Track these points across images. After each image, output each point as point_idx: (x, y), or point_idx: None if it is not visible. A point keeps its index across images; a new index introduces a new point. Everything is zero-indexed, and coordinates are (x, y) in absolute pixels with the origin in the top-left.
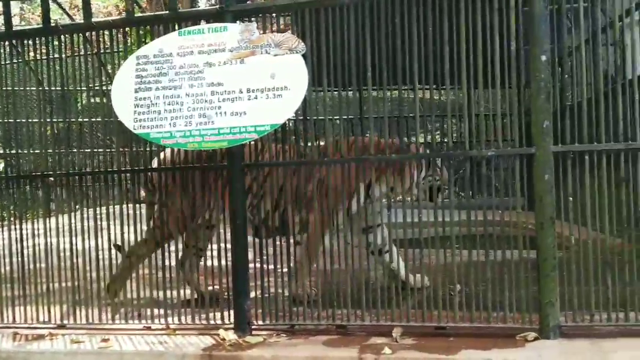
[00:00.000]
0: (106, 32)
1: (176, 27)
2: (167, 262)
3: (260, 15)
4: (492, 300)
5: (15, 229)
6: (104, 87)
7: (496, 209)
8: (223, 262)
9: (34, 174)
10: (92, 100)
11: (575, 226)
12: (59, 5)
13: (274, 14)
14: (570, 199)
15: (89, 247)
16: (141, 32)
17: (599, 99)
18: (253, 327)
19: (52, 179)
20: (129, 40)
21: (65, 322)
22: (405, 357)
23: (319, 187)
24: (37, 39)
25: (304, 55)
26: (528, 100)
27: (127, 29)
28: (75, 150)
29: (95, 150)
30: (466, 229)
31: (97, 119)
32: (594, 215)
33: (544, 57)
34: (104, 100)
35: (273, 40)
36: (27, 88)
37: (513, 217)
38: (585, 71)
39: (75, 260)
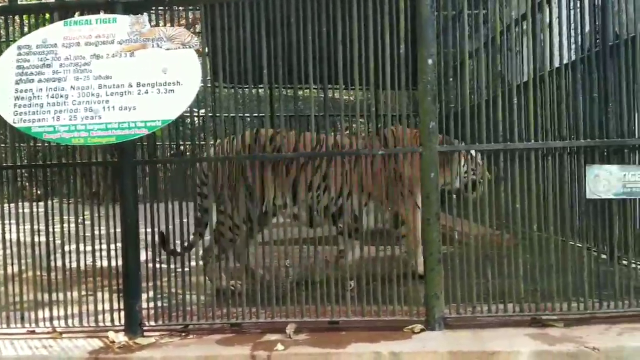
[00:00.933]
0: None
1: (65, 16)
2: (52, 264)
3: (153, 8)
4: (383, 295)
5: None
6: None
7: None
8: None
9: None
10: None
11: (459, 221)
12: None
13: (167, 8)
14: (454, 196)
15: None
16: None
17: (481, 103)
18: (145, 328)
19: None
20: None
21: None
22: (297, 353)
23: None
24: None
25: (197, 50)
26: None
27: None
28: None
29: None
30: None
31: None
32: (476, 211)
33: (430, 61)
34: None
35: (165, 34)
36: None
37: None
38: (469, 76)
39: None
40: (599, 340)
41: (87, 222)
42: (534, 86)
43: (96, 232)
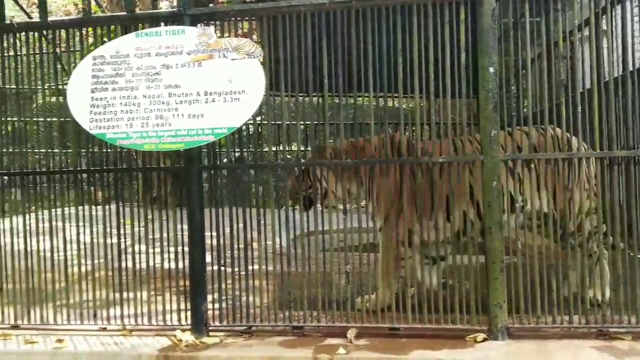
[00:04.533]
0: (62, 31)
1: (134, 28)
2: (123, 264)
3: (219, 20)
4: (444, 303)
5: None
6: (60, 87)
7: None
8: (181, 264)
9: None
10: (49, 99)
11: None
12: (17, 2)
13: (232, 19)
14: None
15: (44, 248)
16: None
17: (544, 110)
18: (210, 328)
19: (6, 178)
20: (86, 40)
21: (19, 322)
22: (359, 357)
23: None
24: None
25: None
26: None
27: (83, 28)
28: (30, 150)
29: (51, 150)
30: None
31: (54, 119)
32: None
33: (491, 69)
34: (60, 100)
35: (230, 44)
36: None
37: None
38: (531, 84)
39: (29, 261)
40: None
41: (155, 225)
42: (598, 93)
43: (164, 235)
